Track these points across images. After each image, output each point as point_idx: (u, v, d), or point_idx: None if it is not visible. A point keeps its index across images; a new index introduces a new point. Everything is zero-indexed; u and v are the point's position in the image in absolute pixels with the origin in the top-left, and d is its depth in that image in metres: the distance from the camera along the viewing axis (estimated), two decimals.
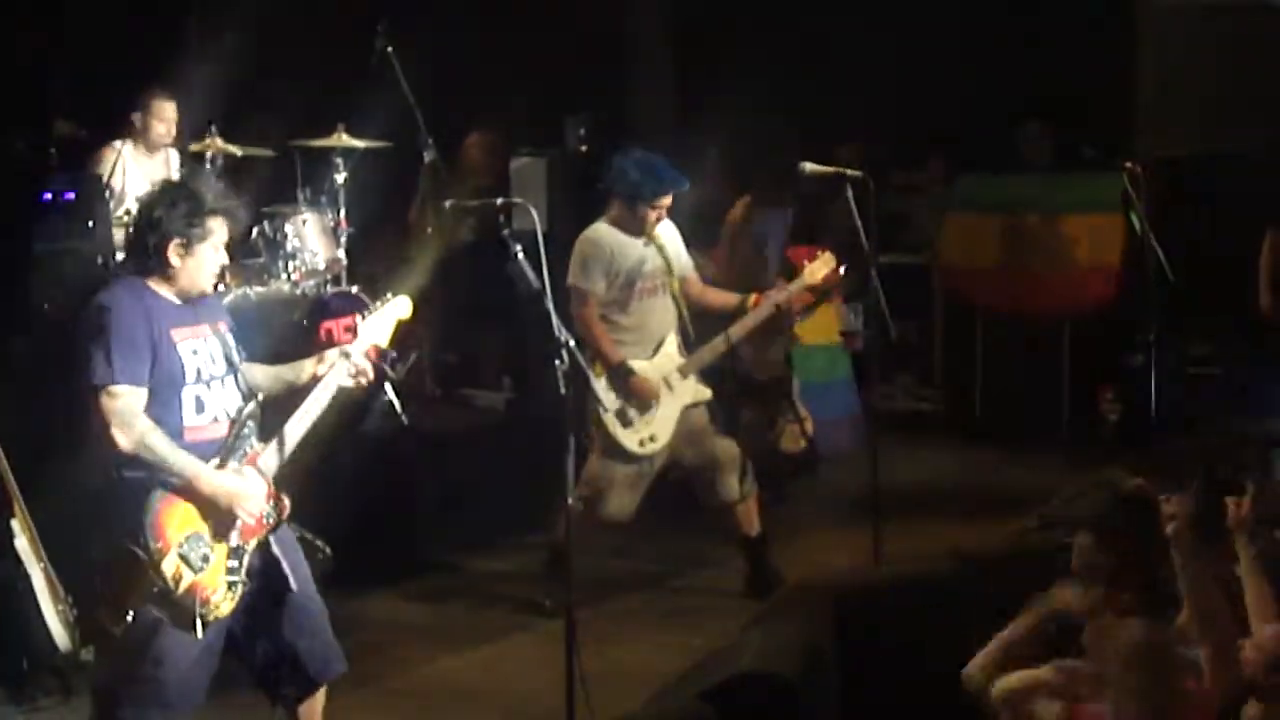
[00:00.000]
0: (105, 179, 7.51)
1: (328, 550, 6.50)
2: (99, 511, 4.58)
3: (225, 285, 7.82)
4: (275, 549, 4.68)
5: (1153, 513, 4.52)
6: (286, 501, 4.70)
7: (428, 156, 8.94)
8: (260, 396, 4.74)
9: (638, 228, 6.71)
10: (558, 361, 4.93)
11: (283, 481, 4.72)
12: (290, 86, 8.77)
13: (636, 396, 6.63)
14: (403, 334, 8.46)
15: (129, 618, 4.45)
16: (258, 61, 8.95)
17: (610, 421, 6.60)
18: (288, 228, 8.06)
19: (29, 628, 5.40)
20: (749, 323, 6.94)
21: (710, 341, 6.90)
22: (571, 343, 5.06)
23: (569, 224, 7.12)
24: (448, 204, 6.79)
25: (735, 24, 11.04)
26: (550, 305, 5.00)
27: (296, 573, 4.71)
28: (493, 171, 9.73)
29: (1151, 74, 9.83)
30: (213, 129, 8.08)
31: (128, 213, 7.07)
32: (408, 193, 9.48)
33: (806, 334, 8.91)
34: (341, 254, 8.30)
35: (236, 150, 8.14)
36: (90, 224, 7.21)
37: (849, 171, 6.74)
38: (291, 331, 7.52)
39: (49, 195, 7.38)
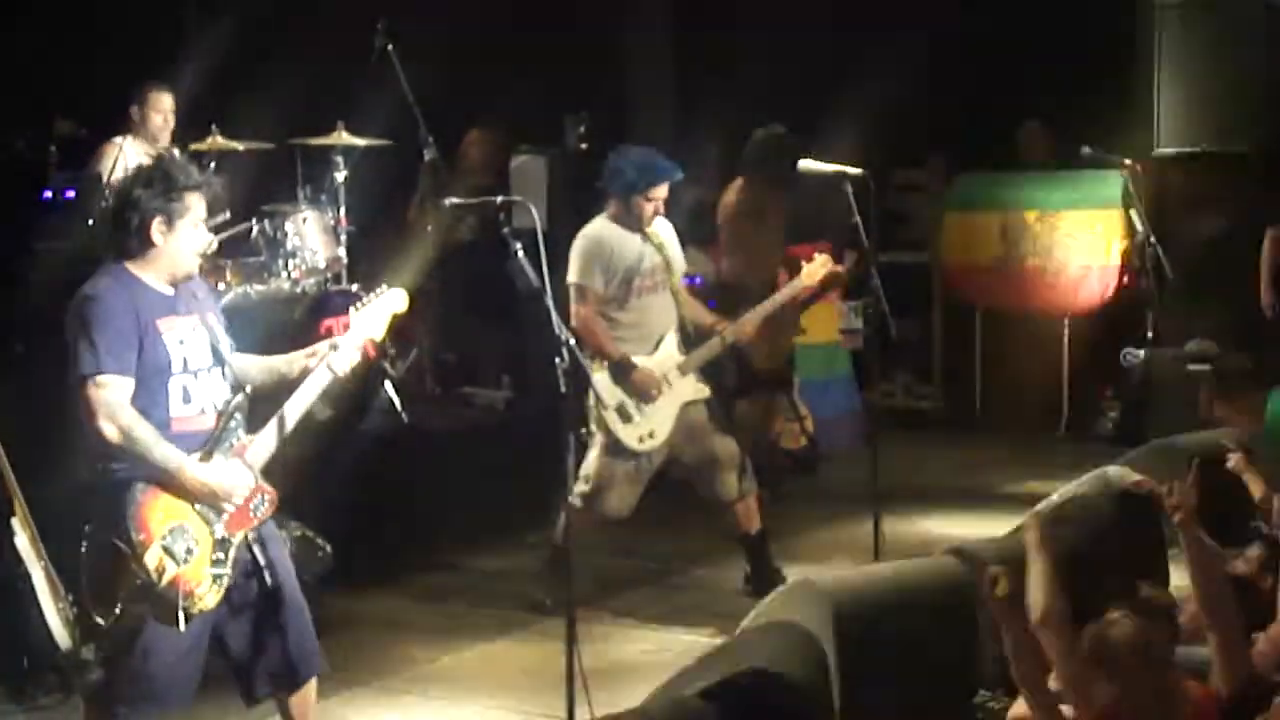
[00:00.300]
0: (106, 177, 7.51)
1: (327, 548, 6.51)
2: (84, 505, 4.56)
3: (225, 283, 7.85)
4: (260, 543, 4.65)
5: (1152, 509, 4.52)
6: (275, 494, 4.67)
7: (428, 155, 8.94)
8: (248, 388, 4.70)
9: (636, 223, 6.71)
10: (558, 360, 4.93)
11: (273, 474, 4.69)
12: (290, 84, 8.76)
13: (636, 393, 6.64)
14: (403, 332, 8.49)
15: (116, 611, 4.44)
16: (258, 60, 8.95)
17: (610, 418, 6.60)
18: (288, 226, 8.07)
19: (29, 626, 5.39)
20: (747, 325, 6.97)
21: (709, 340, 6.90)
22: (571, 341, 5.07)
23: (569, 222, 7.12)
24: (447, 202, 6.78)
25: (735, 23, 11.04)
26: (550, 303, 5.00)
27: (280, 568, 4.68)
28: (492, 170, 9.73)
29: (1151, 74, 9.83)
30: (214, 127, 8.08)
31: None
32: (408, 191, 9.49)
33: (806, 332, 8.90)
34: (342, 252, 8.31)
35: (238, 147, 8.14)
36: (90, 222, 7.21)
37: (849, 170, 6.75)
38: (291, 329, 7.51)
39: (49, 194, 7.39)
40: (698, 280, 8.81)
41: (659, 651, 6.18)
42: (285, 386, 4.76)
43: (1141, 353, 8.90)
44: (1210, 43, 9.69)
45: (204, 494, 4.51)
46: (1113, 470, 5.93)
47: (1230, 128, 9.65)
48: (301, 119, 8.69)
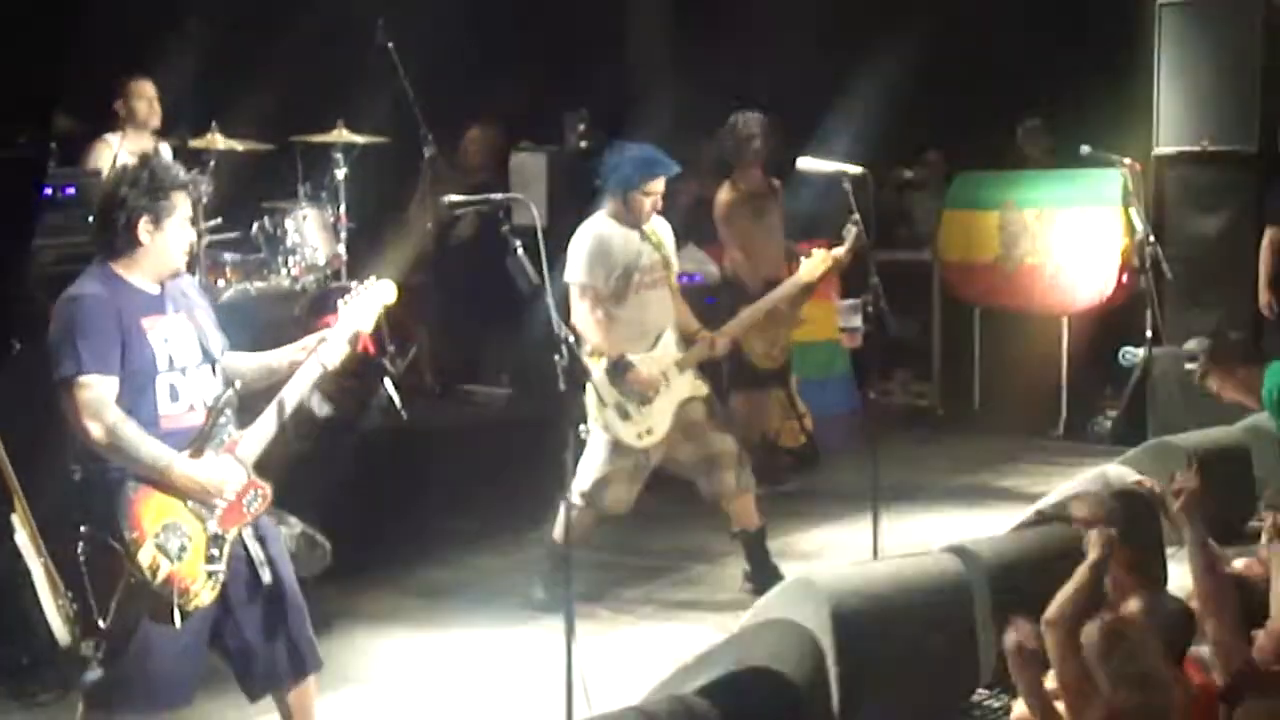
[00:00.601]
0: (106, 173, 7.50)
1: (327, 545, 6.51)
2: (77, 504, 4.56)
3: (226, 280, 7.85)
4: (256, 539, 4.64)
5: (1151, 508, 4.53)
6: (269, 489, 4.65)
7: (427, 152, 8.95)
8: (238, 384, 4.68)
9: (634, 219, 6.72)
10: (557, 357, 4.93)
11: (267, 469, 4.67)
12: (290, 82, 8.76)
13: (635, 390, 6.64)
14: (403, 330, 8.49)
15: (113, 610, 4.44)
16: (258, 57, 8.94)
17: (609, 415, 6.61)
18: (288, 223, 8.08)
19: (29, 622, 5.40)
20: (744, 323, 6.96)
21: (701, 343, 6.91)
22: (571, 338, 5.07)
23: (569, 219, 7.11)
24: (447, 200, 6.78)
25: (735, 21, 11.05)
26: (550, 300, 5.00)
27: (279, 565, 4.67)
28: (492, 167, 9.73)
29: (1151, 73, 9.83)
30: (213, 125, 8.08)
31: None
32: (408, 188, 9.49)
33: (805, 331, 8.90)
34: (341, 249, 8.31)
35: (238, 145, 8.14)
36: (90, 219, 7.19)
37: (849, 168, 6.75)
38: (291, 326, 7.51)
39: (49, 191, 7.37)
40: (696, 278, 8.82)
41: (657, 649, 6.18)
42: (277, 381, 4.75)
43: (1140, 352, 8.90)
44: (1210, 42, 9.69)
45: (194, 490, 4.50)
46: (1112, 470, 5.94)
47: (1231, 128, 9.64)
48: (301, 116, 8.68)
